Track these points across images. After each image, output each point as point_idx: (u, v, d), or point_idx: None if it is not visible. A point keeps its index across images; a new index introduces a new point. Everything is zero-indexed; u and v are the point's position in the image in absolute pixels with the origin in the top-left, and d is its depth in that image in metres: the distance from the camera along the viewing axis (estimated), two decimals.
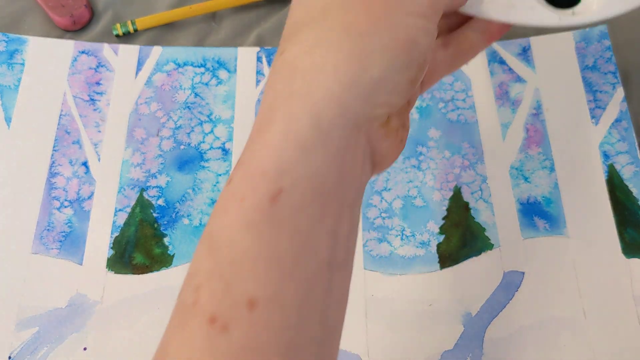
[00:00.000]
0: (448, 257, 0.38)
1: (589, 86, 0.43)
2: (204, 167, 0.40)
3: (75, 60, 0.44)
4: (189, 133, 0.41)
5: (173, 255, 0.38)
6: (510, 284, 0.37)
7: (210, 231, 0.20)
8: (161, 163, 0.40)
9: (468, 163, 0.40)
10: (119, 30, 0.45)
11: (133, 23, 0.45)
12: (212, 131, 0.41)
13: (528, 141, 0.41)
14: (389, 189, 0.39)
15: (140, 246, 0.38)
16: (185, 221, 0.39)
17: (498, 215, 0.39)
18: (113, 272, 0.37)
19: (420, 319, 0.36)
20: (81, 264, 0.37)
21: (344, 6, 0.21)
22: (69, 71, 0.43)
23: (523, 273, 0.37)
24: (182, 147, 0.41)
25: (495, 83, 0.43)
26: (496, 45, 0.44)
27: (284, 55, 0.22)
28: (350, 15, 0.21)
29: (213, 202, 0.39)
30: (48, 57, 0.44)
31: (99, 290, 0.36)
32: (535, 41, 0.44)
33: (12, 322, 0.35)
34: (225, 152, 0.41)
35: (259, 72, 0.43)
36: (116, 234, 0.38)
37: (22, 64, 0.43)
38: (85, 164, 0.40)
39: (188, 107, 0.42)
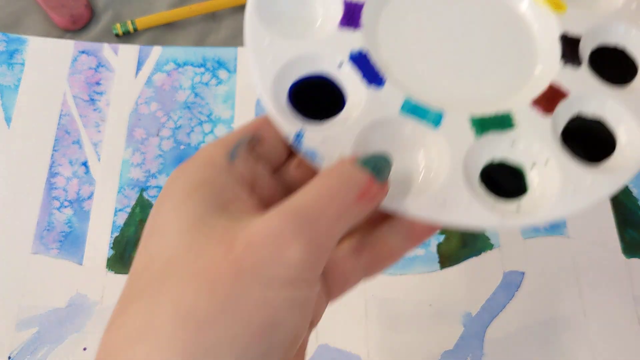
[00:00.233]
0: (448, 257, 0.38)
1: None
2: None
3: (75, 60, 0.44)
4: (189, 133, 0.41)
5: None
6: (510, 284, 0.37)
7: None
8: (161, 163, 0.40)
9: None
10: (119, 30, 0.45)
11: (133, 23, 0.45)
12: (212, 131, 0.41)
13: None
14: None
15: None
16: None
17: None
18: (113, 272, 0.37)
19: (420, 319, 0.36)
20: (81, 264, 0.37)
21: (183, 277, 0.17)
22: (69, 71, 0.43)
23: (523, 273, 0.37)
24: (182, 147, 0.41)
25: None
26: None
27: (105, 339, 0.18)
28: (189, 293, 0.16)
29: None
30: (48, 57, 0.44)
31: (99, 290, 0.36)
32: None
33: (12, 322, 0.35)
34: None
35: None
36: (116, 234, 0.38)
37: (22, 64, 0.43)
38: (85, 164, 0.40)
39: (188, 107, 0.42)
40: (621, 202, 0.39)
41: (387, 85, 0.27)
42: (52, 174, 0.40)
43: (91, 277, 0.37)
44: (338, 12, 0.29)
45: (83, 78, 0.43)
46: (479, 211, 0.23)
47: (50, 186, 0.39)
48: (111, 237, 0.38)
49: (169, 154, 0.41)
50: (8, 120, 0.41)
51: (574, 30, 0.30)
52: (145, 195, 0.39)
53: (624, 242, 0.38)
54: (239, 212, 0.19)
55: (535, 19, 0.31)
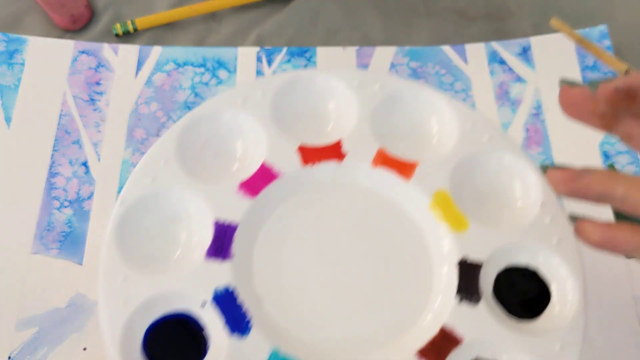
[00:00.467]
0: None
1: None
2: None
3: (75, 60, 0.44)
4: None
5: None
6: None
7: None
8: None
9: None
10: (118, 30, 0.45)
11: (133, 23, 0.45)
12: None
13: (528, 141, 0.41)
14: None
15: None
16: None
17: None
18: None
19: None
20: (81, 264, 0.37)
21: None
22: (69, 71, 0.43)
23: None
24: None
25: (495, 83, 0.43)
26: (496, 45, 0.44)
27: None
28: None
29: None
30: (48, 57, 0.44)
31: None
32: (535, 41, 0.44)
33: (12, 322, 0.35)
34: None
35: (259, 72, 0.43)
36: None
37: (22, 64, 0.43)
38: (85, 164, 0.40)
39: (188, 107, 0.42)
40: None
41: (253, 334, 0.25)
42: (52, 174, 0.40)
43: (91, 277, 0.37)
44: (207, 236, 0.27)
45: (83, 78, 0.43)
46: None
47: (50, 186, 0.39)
48: None
49: None
50: (8, 120, 0.41)
51: (474, 255, 0.27)
52: None
53: None
54: None
55: (432, 240, 0.29)
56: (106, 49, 0.44)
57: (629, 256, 0.24)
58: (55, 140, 0.41)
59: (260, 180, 0.30)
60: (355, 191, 0.30)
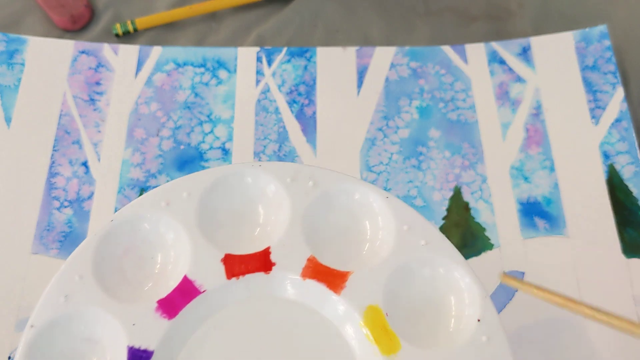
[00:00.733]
0: None
1: (589, 86, 0.43)
2: (203, 167, 0.40)
3: (75, 60, 0.44)
4: (188, 133, 0.41)
5: None
6: None
7: None
8: (161, 163, 0.40)
9: (468, 163, 0.40)
10: (118, 30, 0.45)
11: (133, 23, 0.45)
12: (212, 131, 0.41)
13: (528, 141, 0.41)
14: (389, 189, 0.39)
15: None
16: None
17: (498, 215, 0.39)
18: None
19: None
20: None
21: None
22: (68, 71, 0.43)
23: (523, 273, 0.37)
24: (182, 147, 0.41)
25: (495, 83, 0.43)
26: (496, 45, 0.44)
27: None
28: None
29: None
30: (48, 57, 0.44)
31: None
32: (535, 41, 0.44)
33: (12, 322, 0.35)
34: (225, 152, 0.41)
35: (259, 72, 0.43)
36: None
37: (22, 64, 0.43)
38: (85, 164, 0.40)
39: (188, 107, 0.42)
40: (621, 202, 0.39)
41: None
42: (52, 174, 0.40)
43: None
44: None
45: (83, 78, 0.43)
46: None
47: (50, 186, 0.39)
48: None
49: (169, 154, 0.41)
50: (8, 120, 0.41)
51: None
52: None
53: (624, 242, 0.38)
54: None
55: None
56: (106, 49, 0.44)
57: None
58: (55, 140, 0.41)
59: (180, 298, 0.27)
60: (284, 305, 0.28)
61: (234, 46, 0.45)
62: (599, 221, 0.38)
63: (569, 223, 0.38)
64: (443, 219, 0.39)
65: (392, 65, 0.44)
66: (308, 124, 0.42)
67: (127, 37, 0.45)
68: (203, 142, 0.41)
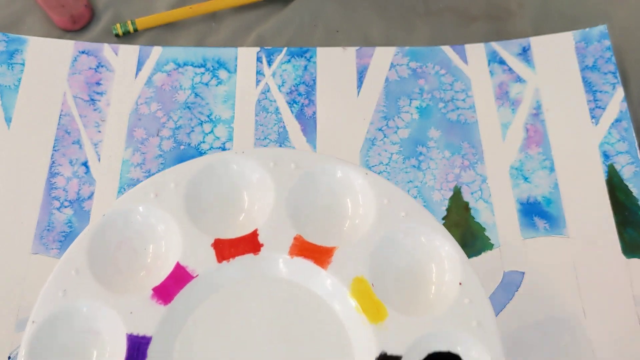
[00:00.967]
0: None
1: (589, 86, 0.43)
2: None
3: (75, 60, 0.44)
4: (189, 133, 0.41)
5: None
6: (510, 284, 0.37)
7: None
8: (161, 163, 0.40)
9: (468, 163, 0.40)
10: (118, 30, 0.45)
11: (133, 23, 0.45)
12: (212, 131, 0.41)
13: (528, 141, 0.41)
14: None
15: None
16: None
17: (498, 215, 0.39)
18: None
19: None
20: None
21: None
22: (69, 71, 0.43)
23: (523, 273, 0.37)
24: (182, 147, 0.41)
25: (495, 83, 0.43)
26: (496, 45, 0.44)
27: None
28: None
29: None
30: (48, 57, 0.44)
31: None
32: (535, 41, 0.44)
33: (12, 322, 0.35)
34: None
35: (259, 72, 0.43)
36: None
37: (22, 64, 0.43)
38: (85, 164, 0.40)
39: (188, 107, 0.42)
40: (621, 202, 0.39)
41: None
42: (52, 174, 0.40)
43: None
44: (122, 351, 0.27)
45: (83, 78, 0.43)
46: None
47: (50, 186, 0.39)
48: None
49: (169, 154, 0.41)
50: (8, 120, 0.41)
51: (394, 348, 0.26)
52: None
53: (624, 242, 0.38)
54: None
55: (352, 333, 0.28)
56: (106, 49, 0.44)
57: None
58: (55, 140, 0.41)
59: (174, 284, 0.28)
60: (274, 284, 0.29)
61: (234, 46, 0.45)
62: (599, 221, 0.38)
63: (569, 223, 0.38)
64: (443, 219, 0.39)
65: (392, 65, 0.44)
66: (308, 124, 0.42)
67: (127, 37, 0.45)
68: (203, 142, 0.41)
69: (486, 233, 0.38)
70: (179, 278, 0.28)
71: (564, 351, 0.35)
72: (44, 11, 0.46)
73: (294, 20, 0.46)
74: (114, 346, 0.27)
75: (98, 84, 0.43)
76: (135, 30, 0.45)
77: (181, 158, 0.40)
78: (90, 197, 0.39)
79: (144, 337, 0.27)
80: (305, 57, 0.44)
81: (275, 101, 0.42)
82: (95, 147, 0.41)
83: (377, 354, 0.27)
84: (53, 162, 0.40)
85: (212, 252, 0.29)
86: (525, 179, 0.40)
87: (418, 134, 0.41)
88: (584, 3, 0.47)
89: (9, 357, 0.34)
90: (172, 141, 0.41)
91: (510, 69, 0.43)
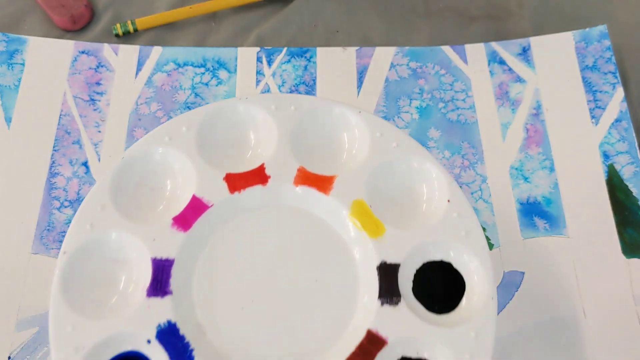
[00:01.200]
0: None
1: (589, 86, 0.43)
2: None
3: (75, 60, 0.44)
4: None
5: None
6: (510, 284, 0.37)
7: None
8: None
9: (468, 163, 0.40)
10: (119, 30, 0.45)
11: (133, 23, 0.45)
12: None
13: (528, 141, 0.41)
14: None
15: None
16: None
17: (498, 215, 0.39)
18: None
19: None
20: None
21: None
22: (69, 71, 0.43)
23: (523, 273, 0.37)
24: None
25: (495, 83, 0.43)
26: (496, 45, 0.44)
27: None
28: None
29: None
30: (48, 57, 0.44)
31: None
32: (535, 41, 0.44)
33: (12, 322, 0.35)
34: None
35: (259, 72, 0.43)
36: None
37: (22, 64, 0.43)
38: (85, 164, 0.40)
39: (188, 107, 0.42)
40: (621, 202, 0.39)
41: None
42: (52, 174, 0.40)
43: None
44: (148, 275, 0.29)
45: (83, 78, 0.43)
46: None
47: (50, 186, 0.39)
48: None
49: None
50: (8, 120, 0.41)
51: (392, 257, 0.30)
52: None
53: (623, 242, 0.38)
54: None
55: (354, 248, 0.31)
56: (106, 49, 0.44)
57: None
58: (55, 140, 0.41)
59: (192, 213, 0.31)
60: (282, 211, 0.32)
61: (234, 46, 0.45)
62: (599, 221, 0.38)
63: (569, 223, 0.38)
64: None
65: (392, 66, 0.44)
66: None
67: (127, 37, 0.45)
68: None
69: (486, 233, 0.38)
70: (196, 208, 0.31)
71: (564, 351, 0.35)
72: (44, 11, 0.46)
73: (294, 20, 0.46)
74: (139, 271, 0.30)
75: (98, 84, 0.43)
76: (135, 30, 0.45)
77: None
78: None
79: (167, 260, 0.29)
80: (305, 57, 0.44)
81: None
82: (95, 147, 0.41)
83: (377, 263, 0.29)
84: (53, 162, 0.40)
85: (225, 184, 0.32)
86: (525, 179, 0.40)
87: (418, 134, 0.41)
88: (584, 3, 0.47)
89: (9, 357, 0.34)
90: None
91: (510, 69, 0.43)
